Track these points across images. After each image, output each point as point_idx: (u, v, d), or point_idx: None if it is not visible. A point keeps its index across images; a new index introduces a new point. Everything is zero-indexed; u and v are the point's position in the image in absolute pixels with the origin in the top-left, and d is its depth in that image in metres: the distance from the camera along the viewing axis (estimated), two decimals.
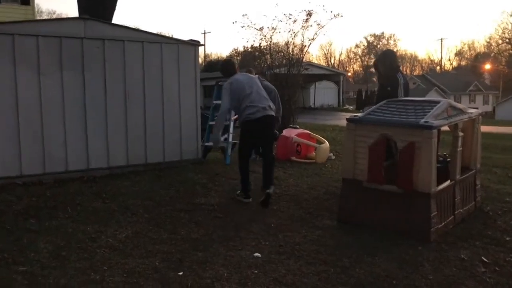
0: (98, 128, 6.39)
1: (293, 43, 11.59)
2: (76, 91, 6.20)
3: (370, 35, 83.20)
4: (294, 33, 11.35)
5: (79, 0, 10.08)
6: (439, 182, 4.36)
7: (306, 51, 12.17)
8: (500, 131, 17.11)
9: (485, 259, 3.79)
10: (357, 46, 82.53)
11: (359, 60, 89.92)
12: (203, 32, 63.25)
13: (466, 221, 4.74)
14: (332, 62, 79.87)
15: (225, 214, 4.88)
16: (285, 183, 6.16)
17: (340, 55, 76.64)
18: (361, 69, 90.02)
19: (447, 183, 4.57)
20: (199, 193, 5.60)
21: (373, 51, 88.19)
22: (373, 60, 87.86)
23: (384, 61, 5.76)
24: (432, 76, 62.67)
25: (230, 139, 7.41)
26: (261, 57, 12.45)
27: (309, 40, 11.67)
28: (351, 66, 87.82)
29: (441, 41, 79.39)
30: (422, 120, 4.28)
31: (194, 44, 7.19)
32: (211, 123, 7.75)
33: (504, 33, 60.03)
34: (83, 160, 6.29)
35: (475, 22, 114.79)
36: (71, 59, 6.15)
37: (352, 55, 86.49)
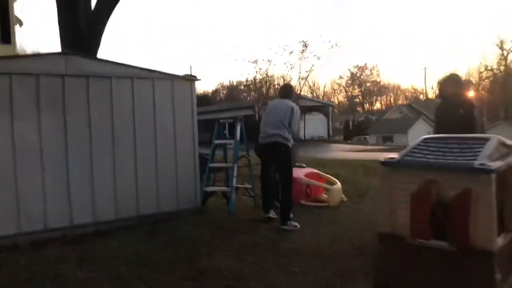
0: (82, 177, 5.54)
1: (290, 75, 11.01)
2: (56, 136, 5.38)
3: (353, 66, 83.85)
4: (291, 65, 10.78)
5: (62, 38, 9.47)
6: None
7: (304, 83, 11.58)
8: None
9: None
10: (340, 77, 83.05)
11: (343, 91, 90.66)
12: (189, 67, 62.94)
13: None
14: (317, 93, 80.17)
15: (238, 281, 4.02)
16: (301, 235, 5.34)
17: (325, 86, 76.76)
18: (345, 99, 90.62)
19: (505, 235, 3.80)
20: (203, 254, 4.71)
21: (357, 82, 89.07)
22: (357, 90, 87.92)
23: (453, 84, 5.41)
24: (418, 105, 63.05)
25: (234, 183, 6.59)
26: (250, 90, 11.94)
27: (306, 71, 11.10)
28: (336, 97, 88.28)
29: (425, 70, 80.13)
30: (477, 162, 3.54)
31: (190, 80, 6.46)
32: (211, 165, 6.96)
33: (486, 60, 60.92)
34: (65, 215, 5.41)
35: (458, 52, 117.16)
36: (50, 100, 5.36)
37: (336, 86, 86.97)
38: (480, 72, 68.24)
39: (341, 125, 67.01)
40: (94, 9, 9.82)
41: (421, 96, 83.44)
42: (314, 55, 10.82)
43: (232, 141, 6.85)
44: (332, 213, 6.50)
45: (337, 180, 7.41)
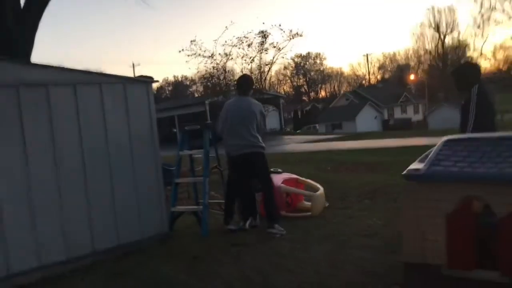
0: (18, 212, 4.42)
1: (250, 69, 10.12)
2: None
3: (297, 56, 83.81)
4: (251, 58, 9.89)
5: None
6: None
7: (265, 77, 10.75)
8: None
9: None
10: (285, 67, 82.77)
11: (289, 81, 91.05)
12: (132, 65, 60.46)
13: None
14: (264, 85, 79.65)
15: None
16: (294, 260, 4.48)
17: (270, 77, 76.35)
18: (291, 90, 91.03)
19: None
20: None
21: (301, 71, 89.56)
22: (302, 80, 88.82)
23: (457, 74, 4.81)
24: (363, 91, 64.08)
25: (207, 201, 5.65)
26: (208, 87, 11.04)
27: (267, 65, 10.26)
28: (282, 88, 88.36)
29: (367, 56, 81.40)
30: None
31: (145, 81, 5.44)
32: (177, 180, 5.99)
33: (424, 44, 62.84)
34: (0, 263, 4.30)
35: (395, 34, 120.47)
36: None
37: (281, 77, 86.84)
38: (419, 56, 70.31)
39: (289, 115, 67.24)
40: (25, 3, 8.52)
41: (363, 82, 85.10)
42: (274, 46, 9.98)
43: (199, 151, 5.92)
44: (320, 225, 5.71)
45: (318, 185, 6.63)
